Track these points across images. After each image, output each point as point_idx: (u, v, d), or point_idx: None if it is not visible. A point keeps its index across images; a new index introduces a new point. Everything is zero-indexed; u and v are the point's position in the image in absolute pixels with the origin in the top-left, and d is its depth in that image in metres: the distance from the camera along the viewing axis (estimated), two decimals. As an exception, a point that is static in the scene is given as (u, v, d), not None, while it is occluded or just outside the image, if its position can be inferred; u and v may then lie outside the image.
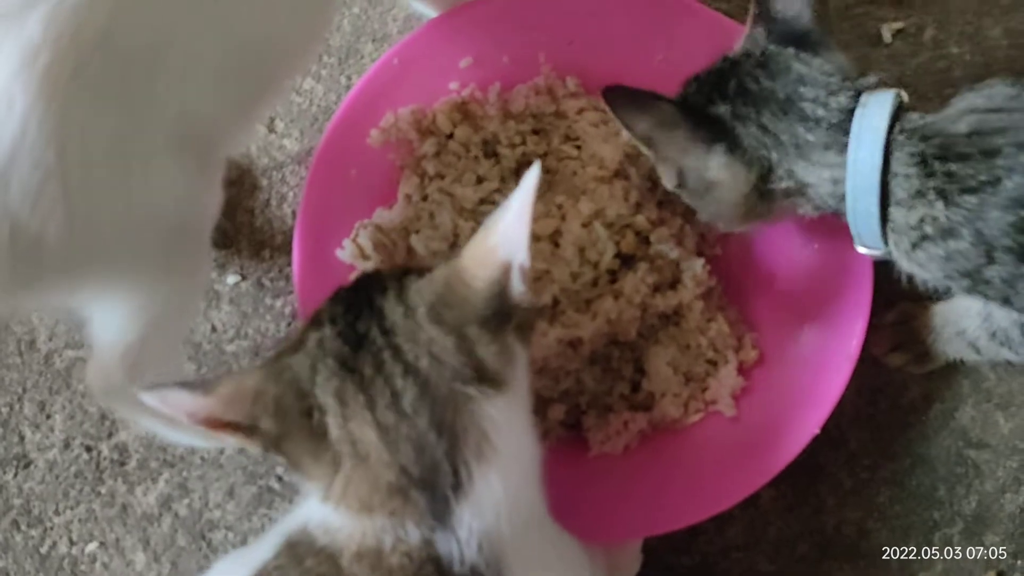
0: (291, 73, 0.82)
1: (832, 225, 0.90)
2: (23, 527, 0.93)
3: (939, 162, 0.72)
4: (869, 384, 0.95)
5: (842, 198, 0.76)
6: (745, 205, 0.79)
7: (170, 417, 0.61)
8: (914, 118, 0.74)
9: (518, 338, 0.64)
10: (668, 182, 0.81)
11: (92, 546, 0.92)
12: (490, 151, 0.94)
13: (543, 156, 0.94)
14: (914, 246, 0.75)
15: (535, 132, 0.95)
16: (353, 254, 0.90)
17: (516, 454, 0.62)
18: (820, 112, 0.75)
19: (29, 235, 0.60)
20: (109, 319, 0.75)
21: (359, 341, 0.61)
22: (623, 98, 0.77)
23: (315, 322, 0.64)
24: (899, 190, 0.73)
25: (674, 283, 0.90)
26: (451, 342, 0.61)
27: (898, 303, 0.92)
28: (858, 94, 0.75)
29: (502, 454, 0.60)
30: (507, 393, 0.62)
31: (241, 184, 1.02)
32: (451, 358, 0.61)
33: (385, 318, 0.62)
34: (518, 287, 0.62)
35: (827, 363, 0.87)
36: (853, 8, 1.06)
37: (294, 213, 0.98)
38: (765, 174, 0.77)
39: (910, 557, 0.92)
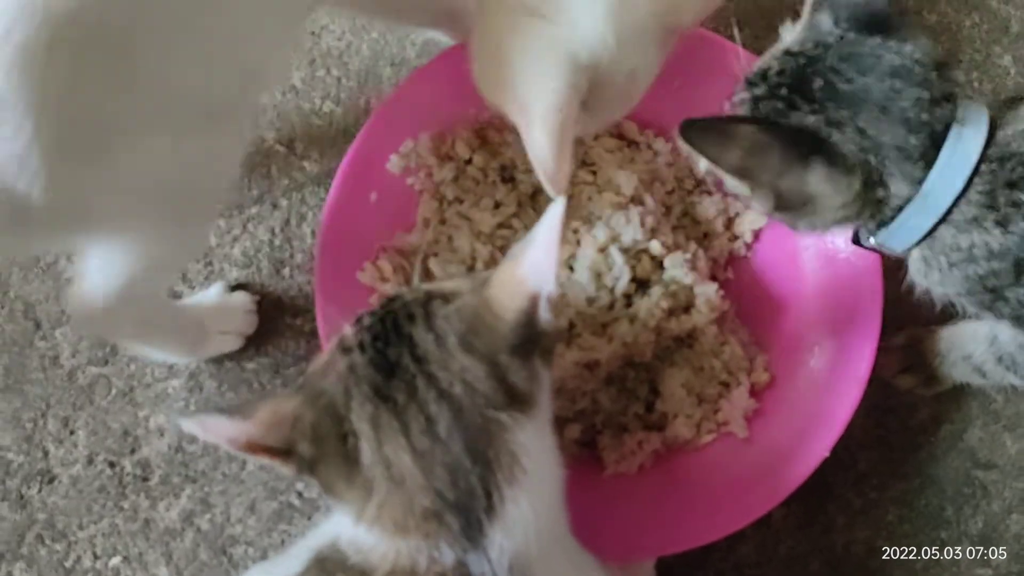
0: (285, 37, 0.80)
1: (844, 251, 0.92)
2: (47, 541, 0.94)
3: (1008, 189, 0.69)
4: (879, 405, 0.96)
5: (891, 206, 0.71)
6: (846, 212, 0.72)
7: (211, 438, 0.62)
8: (1000, 139, 0.70)
9: (543, 361, 0.66)
10: (764, 208, 0.74)
11: (116, 560, 0.94)
12: (507, 176, 0.96)
13: (560, 180, 0.96)
14: (952, 266, 0.73)
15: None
16: (373, 276, 0.92)
17: (543, 476, 0.64)
18: (924, 116, 0.69)
19: (17, 195, 0.61)
20: (102, 264, 0.77)
21: (391, 369, 0.62)
22: (702, 131, 0.70)
23: (343, 348, 0.65)
24: (959, 215, 0.70)
25: (688, 307, 0.91)
26: (483, 370, 0.62)
27: (907, 327, 0.94)
28: (956, 102, 0.70)
29: (531, 477, 0.62)
30: (534, 416, 0.64)
31: (262, 203, 1.04)
32: (483, 385, 0.62)
33: (417, 346, 0.63)
34: (546, 316, 0.64)
35: (837, 386, 0.88)
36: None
37: (313, 233, 1.00)
38: (870, 180, 0.70)
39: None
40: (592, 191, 0.94)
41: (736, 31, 0.81)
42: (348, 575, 0.62)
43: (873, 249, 0.78)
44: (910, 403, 0.97)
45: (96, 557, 0.94)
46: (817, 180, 0.70)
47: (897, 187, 0.70)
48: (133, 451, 0.97)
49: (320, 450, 0.62)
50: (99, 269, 0.78)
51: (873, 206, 0.71)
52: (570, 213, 0.94)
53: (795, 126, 0.70)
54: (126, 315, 0.83)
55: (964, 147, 0.69)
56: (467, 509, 0.60)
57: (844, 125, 0.69)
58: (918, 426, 0.97)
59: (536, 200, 0.95)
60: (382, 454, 0.61)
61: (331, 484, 0.62)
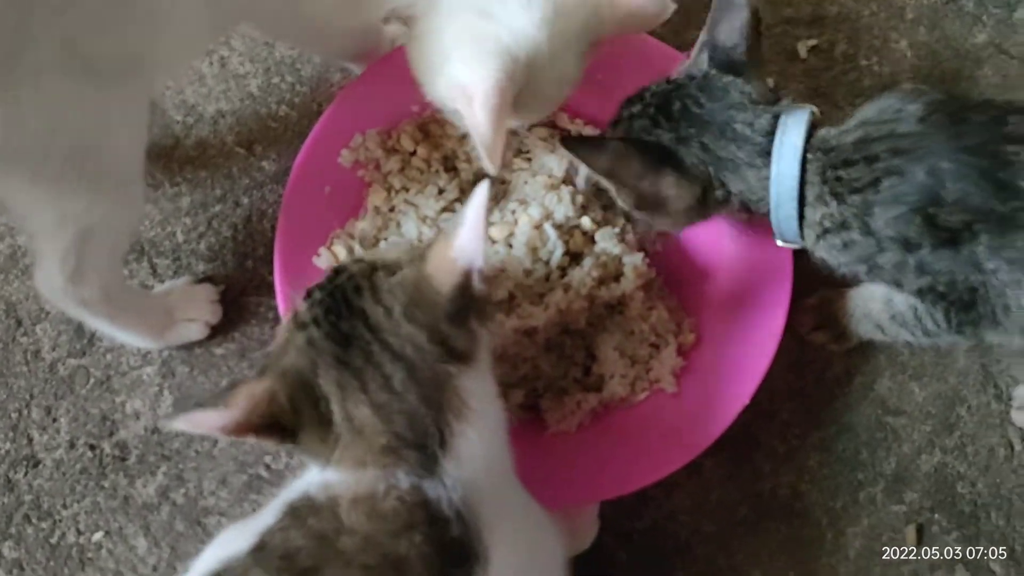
0: (186, 37, 0.85)
1: (755, 222, 1.02)
2: (34, 520, 1.01)
3: (832, 170, 0.82)
4: (797, 361, 1.05)
5: (764, 201, 0.86)
6: (690, 213, 0.89)
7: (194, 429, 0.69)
8: (821, 134, 0.84)
9: (479, 321, 0.73)
10: (627, 204, 0.90)
11: (98, 535, 1.00)
12: (449, 166, 1.04)
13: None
14: (818, 237, 0.86)
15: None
16: (328, 260, 0.99)
17: (488, 413, 0.72)
18: (748, 132, 0.85)
19: None
20: (41, 228, 0.84)
21: (347, 339, 0.70)
22: (579, 144, 0.89)
23: (298, 323, 0.72)
24: (809, 194, 0.84)
25: (617, 276, 1.00)
26: (426, 336, 0.70)
27: (819, 289, 1.03)
28: (776, 116, 0.85)
29: (476, 412, 0.70)
30: (476, 366, 0.72)
31: (224, 201, 1.11)
32: (428, 346, 0.69)
33: (368, 317, 0.70)
34: (478, 286, 0.72)
35: (755, 341, 0.96)
36: (772, 28, 1.18)
37: (273, 227, 1.06)
38: (706, 187, 0.87)
39: (839, 514, 1.01)
40: (527, 175, 1.03)
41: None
42: (318, 516, 0.67)
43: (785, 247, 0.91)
44: (825, 358, 1.06)
45: (80, 533, 1.00)
46: (668, 185, 0.86)
47: (736, 187, 0.87)
48: (111, 434, 1.03)
49: (299, 418, 0.68)
50: (47, 245, 0.85)
51: (717, 206, 0.88)
52: (508, 196, 1.03)
53: (647, 141, 0.87)
54: (90, 289, 0.89)
55: (789, 139, 0.83)
56: (423, 446, 0.68)
57: (690, 141, 0.86)
58: (833, 378, 1.06)
59: (476, 185, 1.04)
60: (346, 410, 0.68)
61: (310, 447, 0.69)
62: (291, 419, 0.68)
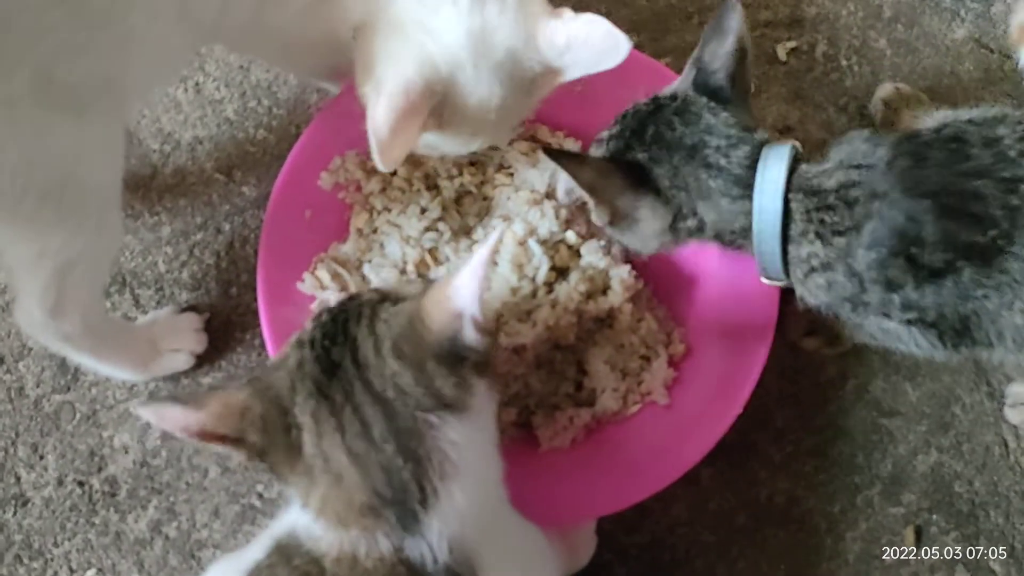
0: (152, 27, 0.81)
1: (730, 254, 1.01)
2: (25, 560, 0.99)
3: (816, 212, 0.82)
4: (790, 366, 1.05)
5: (744, 235, 0.85)
6: (660, 238, 0.88)
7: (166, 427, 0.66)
8: (802, 169, 0.83)
9: (476, 373, 0.70)
10: (599, 220, 0.89)
11: (91, 573, 0.99)
12: (431, 184, 1.03)
13: (480, 185, 1.04)
14: (805, 276, 0.85)
15: (471, 164, 1.04)
16: (312, 285, 0.99)
17: (476, 469, 0.68)
18: (722, 162, 0.83)
19: None
20: (19, 263, 0.83)
21: (333, 369, 0.67)
22: (563, 155, 0.89)
23: (299, 342, 0.70)
24: (794, 231, 0.83)
25: (605, 289, 0.99)
26: (411, 375, 0.67)
27: (809, 292, 1.03)
28: (759, 146, 0.84)
29: (462, 470, 0.66)
30: (467, 417, 0.68)
31: (205, 229, 1.10)
32: (412, 389, 0.67)
33: (358, 349, 0.68)
34: (470, 335, 0.68)
35: (746, 348, 0.96)
36: (751, 32, 1.15)
37: (256, 253, 1.05)
38: (676, 213, 0.86)
39: (837, 518, 1.01)
40: (510, 191, 1.02)
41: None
42: (303, 559, 0.66)
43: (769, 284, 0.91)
44: (818, 362, 1.05)
45: (72, 571, 0.99)
46: (643, 207, 0.86)
47: (710, 216, 0.86)
48: (100, 469, 1.02)
49: (268, 439, 0.66)
50: (26, 280, 0.84)
51: (687, 234, 0.87)
52: (492, 212, 1.02)
53: (627, 160, 0.86)
54: (71, 323, 0.89)
55: (771, 174, 0.82)
56: (402, 503, 0.65)
57: (662, 164, 0.85)
58: (827, 382, 1.05)
59: (460, 203, 1.03)
60: (321, 448, 0.66)
61: (278, 469, 0.67)
62: (259, 438, 0.66)
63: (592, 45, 0.84)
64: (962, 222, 0.77)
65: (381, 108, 0.80)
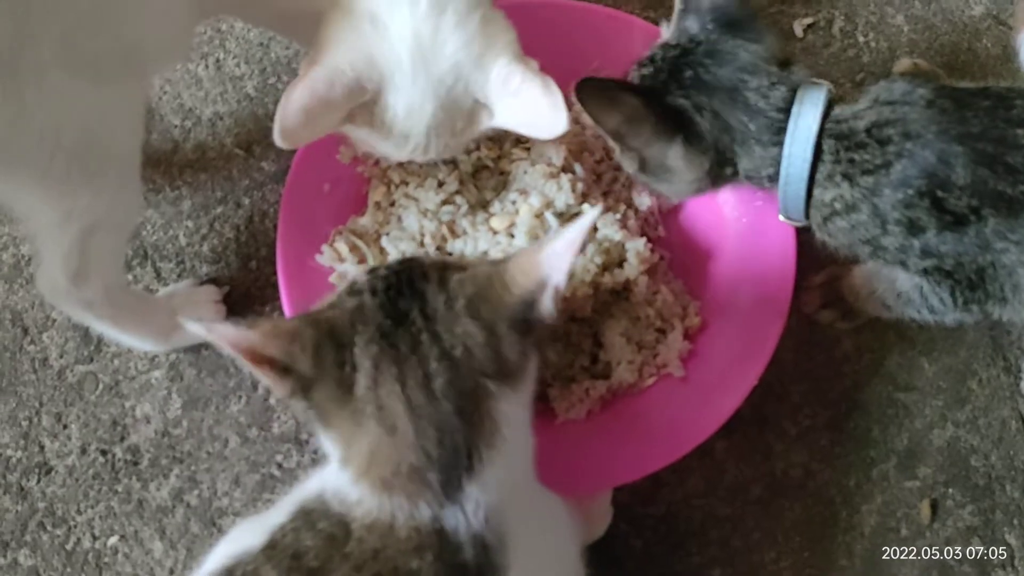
0: (169, 27, 0.85)
1: (757, 198, 1.01)
2: (49, 527, 1.01)
3: (845, 151, 0.81)
4: (806, 340, 1.05)
5: (771, 180, 0.85)
6: (696, 185, 0.87)
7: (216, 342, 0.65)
8: (835, 113, 0.82)
9: (534, 350, 0.71)
10: (629, 168, 0.87)
11: (113, 540, 1.00)
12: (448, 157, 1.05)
13: (496, 159, 1.04)
14: (825, 220, 0.85)
15: (489, 139, 1.05)
16: (331, 258, 1.00)
17: (519, 444, 0.69)
18: (761, 103, 0.82)
19: None
20: (44, 228, 0.85)
21: (400, 318, 0.66)
22: (594, 93, 0.82)
23: (352, 291, 0.69)
24: (820, 174, 0.83)
25: (621, 262, 0.99)
26: (482, 336, 0.67)
27: (826, 266, 1.02)
28: (794, 88, 0.82)
29: (509, 443, 0.67)
30: (519, 391, 0.69)
31: (225, 203, 1.12)
32: (480, 351, 0.66)
33: (427, 303, 0.67)
34: (548, 304, 0.69)
35: (761, 322, 0.96)
36: (767, 8, 1.18)
37: (275, 227, 1.06)
38: (719, 159, 0.84)
39: (852, 492, 1.01)
40: (526, 165, 1.02)
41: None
42: (329, 521, 0.65)
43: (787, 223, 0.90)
44: (833, 336, 1.06)
45: (95, 538, 1.01)
46: (675, 156, 0.84)
47: (744, 163, 0.84)
48: (123, 439, 1.04)
49: (318, 370, 0.65)
50: (50, 244, 0.86)
51: (724, 180, 0.86)
52: (509, 186, 1.03)
53: (670, 104, 0.83)
54: (92, 290, 0.90)
55: (805, 121, 0.81)
56: (449, 468, 0.65)
57: (704, 109, 0.82)
58: (842, 356, 1.05)
59: (477, 177, 1.04)
60: (377, 394, 0.65)
61: (323, 407, 0.66)
62: (309, 368, 0.65)
63: (536, 107, 0.83)
64: (995, 170, 0.77)
65: (299, 88, 0.80)
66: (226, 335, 0.64)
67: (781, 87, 0.82)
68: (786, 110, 0.82)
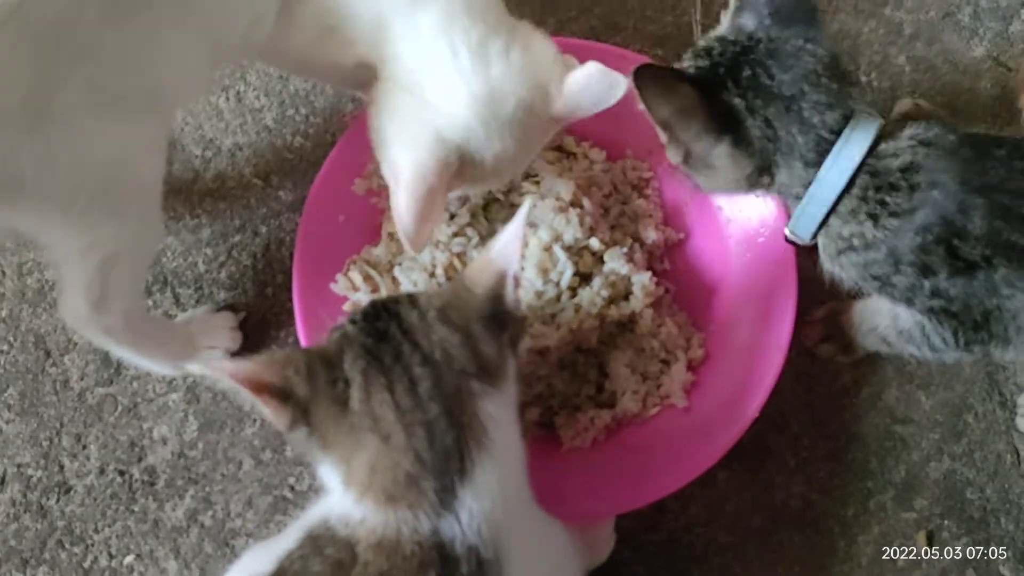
0: (194, 70, 0.88)
1: (760, 235, 1.04)
2: (67, 546, 1.04)
3: (875, 191, 0.82)
4: (806, 373, 1.07)
5: (800, 197, 0.84)
6: (734, 185, 0.86)
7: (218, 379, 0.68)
8: (880, 151, 0.81)
9: (510, 348, 0.75)
10: (674, 158, 0.87)
11: (129, 558, 1.03)
12: (460, 191, 1.08)
13: (507, 192, 1.07)
14: (839, 252, 0.86)
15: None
16: (345, 286, 1.03)
17: (507, 445, 0.72)
18: (815, 119, 0.80)
19: None
20: (67, 257, 0.88)
21: (380, 335, 0.71)
22: (652, 80, 0.80)
23: (335, 327, 0.74)
24: (843, 207, 0.83)
25: (627, 295, 1.02)
26: (458, 339, 0.71)
27: (827, 301, 1.05)
28: (847, 114, 0.81)
29: (497, 445, 0.70)
30: (501, 391, 0.72)
31: (243, 231, 1.15)
32: (458, 352, 0.71)
33: (403, 320, 0.72)
34: (511, 294, 0.74)
35: (762, 354, 0.99)
36: (772, 46, 1.21)
37: (291, 255, 1.09)
38: (760, 166, 0.83)
39: (850, 522, 1.03)
40: (536, 198, 1.06)
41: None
42: (336, 547, 0.68)
43: (789, 240, 0.90)
44: (833, 370, 1.08)
45: (112, 556, 1.04)
46: (720, 155, 0.83)
47: (781, 176, 0.84)
48: (140, 460, 1.07)
49: (313, 390, 0.68)
50: (72, 273, 0.89)
51: (759, 187, 0.85)
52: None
53: (725, 102, 0.81)
54: (113, 317, 0.93)
55: (849, 151, 0.81)
56: (442, 472, 0.67)
57: (756, 113, 0.81)
58: (841, 390, 1.08)
59: (487, 210, 1.07)
60: (369, 406, 0.68)
61: (322, 428, 0.69)
62: (304, 389, 0.68)
63: (592, 89, 0.87)
64: (1010, 222, 0.79)
65: (402, 200, 0.83)
66: (225, 368, 0.68)
67: (838, 109, 0.81)
68: (837, 132, 0.81)
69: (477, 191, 0.98)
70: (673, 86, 0.81)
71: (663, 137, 0.85)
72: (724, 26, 0.86)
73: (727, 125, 0.81)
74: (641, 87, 0.80)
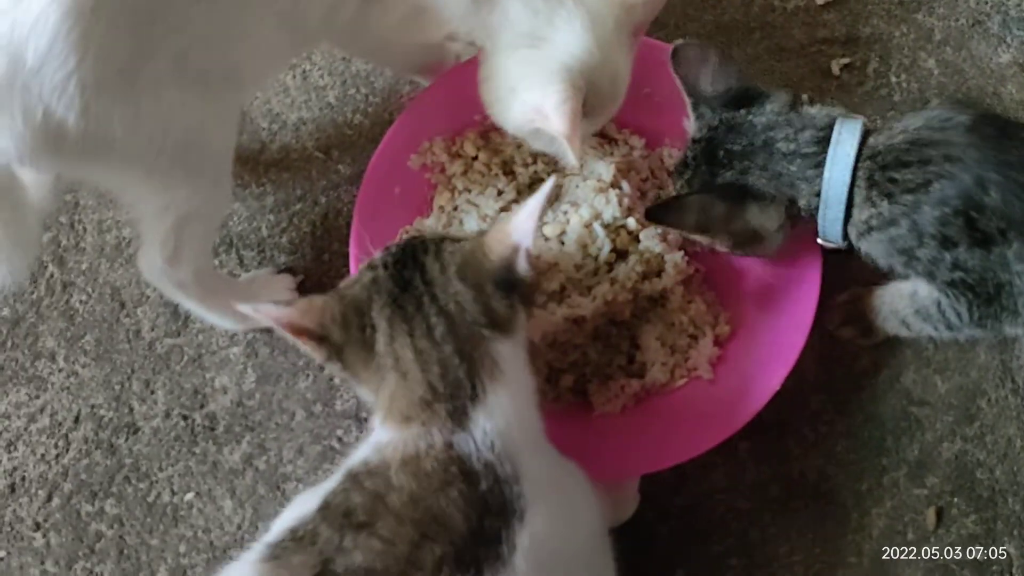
0: (270, 53, 0.98)
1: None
2: (133, 481, 1.12)
3: (881, 171, 0.90)
4: (827, 355, 1.12)
5: (816, 207, 0.95)
6: (783, 233, 0.98)
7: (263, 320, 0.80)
8: (871, 143, 0.92)
9: (522, 303, 0.84)
10: (725, 247, 1.00)
11: (190, 495, 1.11)
12: (508, 170, 1.15)
13: (551, 173, 1.14)
14: (861, 235, 0.94)
15: (545, 154, 1.15)
16: (398, 254, 1.10)
17: (518, 378, 0.81)
18: (793, 147, 0.93)
19: (55, 119, 0.80)
20: (146, 215, 0.97)
21: (405, 285, 0.81)
22: (662, 213, 0.99)
23: (370, 266, 0.84)
24: (857, 198, 0.92)
25: (659, 272, 1.08)
26: (471, 295, 0.81)
27: (849, 286, 1.10)
28: (822, 126, 0.93)
29: (508, 376, 0.80)
30: (511, 338, 0.82)
31: (304, 200, 1.23)
32: (471, 306, 0.81)
33: (426, 271, 0.82)
34: (522, 265, 0.83)
35: (786, 334, 1.04)
36: (808, 48, 1.26)
37: (348, 224, 1.15)
38: (789, 203, 0.95)
39: (864, 496, 1.08)
40: (578, 180, 1.12)
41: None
42: (371, 478, 0.76)
43: (825, 248, 1.00)
44: (853, 352, 1.13)
45: (174, 493, 1.12)
46: (754, 215, 0.95)
47: (801, 202, 0.95)
48: (202, 406, 1.15)
49: (346, 335, 0.79)
50: (150, 230, 0.99)
51: (798, 218, 0.96)
52: (561, 198, 1.13)
53: (721, 183, 0.95)
54: (184, 272, 1.02)
55: (843, 148, 0.91)
56: (454, 397, 0.77)
57: (752, 170, 0.94)
58: (861, 371, 1.13)
59: (532, 188, 1.13)
60: (392, 348, 0.79)
61: (353, 365, 0.80)
62: (338, 334, 0.79)
63: None
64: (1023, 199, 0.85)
65: (558, 122, 0.91)
66: (269, 312, 0.79)
67: (808, 129, 0.92)
68: (821, 142, 0.92)
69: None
70: (681, 204, 0.97)
71: (705, 241, 0.98)
72: (692, 128, 1.00)
73: (740, 196, 0.94)
74: (659, 222, 0.98)
